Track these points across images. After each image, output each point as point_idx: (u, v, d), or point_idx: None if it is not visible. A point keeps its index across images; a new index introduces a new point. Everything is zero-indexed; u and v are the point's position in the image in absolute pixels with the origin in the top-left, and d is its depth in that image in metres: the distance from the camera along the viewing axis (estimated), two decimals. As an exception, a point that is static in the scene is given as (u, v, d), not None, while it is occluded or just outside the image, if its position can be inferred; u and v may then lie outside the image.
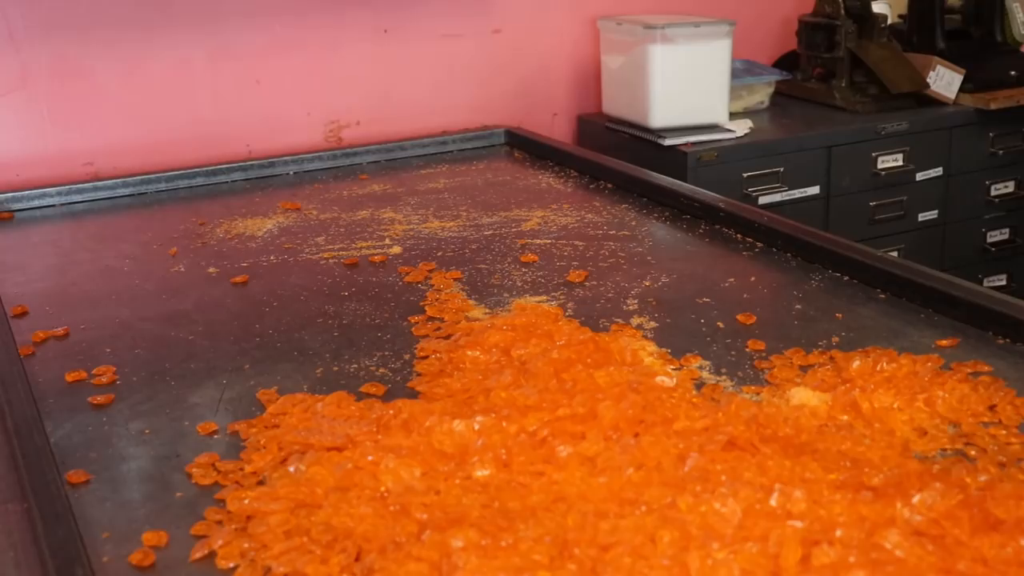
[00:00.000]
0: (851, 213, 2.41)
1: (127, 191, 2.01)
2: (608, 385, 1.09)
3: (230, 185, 2.07)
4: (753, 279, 1.46)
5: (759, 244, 1.58)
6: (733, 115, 2.38)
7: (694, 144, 2.25)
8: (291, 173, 2.13)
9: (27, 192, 1.94)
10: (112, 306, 1.45)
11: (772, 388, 1.13)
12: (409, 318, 1.37)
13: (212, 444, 1.07)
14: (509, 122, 2.39)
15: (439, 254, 1.61)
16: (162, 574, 0.87)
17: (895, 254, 2.38)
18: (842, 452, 0.97)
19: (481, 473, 0.95)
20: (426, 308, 1.39)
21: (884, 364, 1.13)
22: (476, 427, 1.00)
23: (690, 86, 2.29)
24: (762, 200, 2.27)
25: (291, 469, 0.97)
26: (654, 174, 1.91)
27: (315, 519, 0.89)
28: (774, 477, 0.91)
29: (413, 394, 1.15)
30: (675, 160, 2.23)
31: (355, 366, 1.24)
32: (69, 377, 1.22)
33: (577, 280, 1.47)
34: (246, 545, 0.88)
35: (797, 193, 2.34)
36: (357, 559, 0.85)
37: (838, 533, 0.83)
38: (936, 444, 1.00)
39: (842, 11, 2.51)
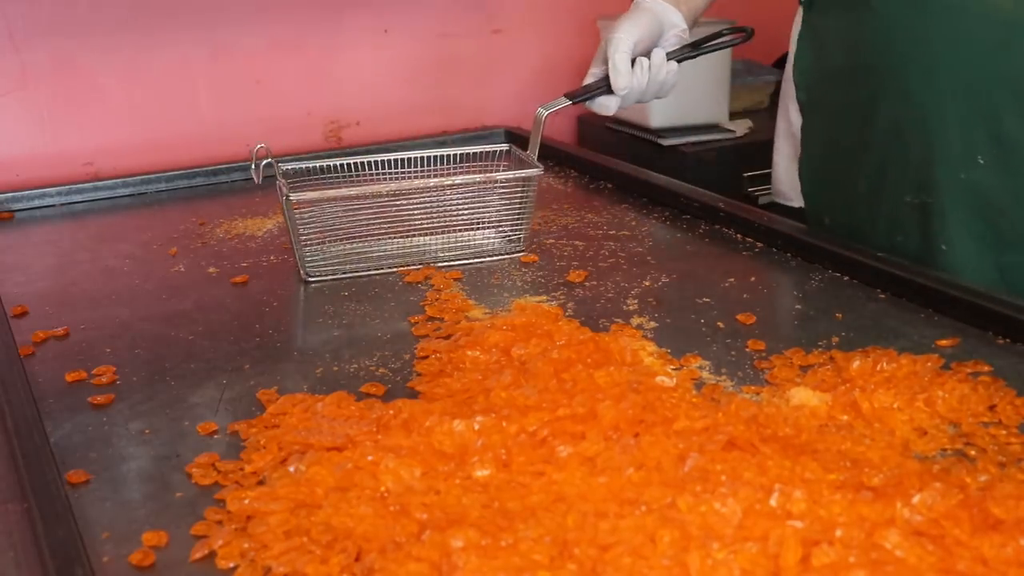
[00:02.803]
0: (851, 213, 2.40)
1: (127, 191, 2.01)
2: (608, 385, 1.09)
3: (230, 185, 2.07)
4: (753, 279, 1.46)
5: (759, 244, 1.58)
6: (733, 115, 2.38)
7: (694, 144, 2.25)
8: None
9: (27, 192, 1.94)
10: (112, 306, 1.45)
11: (772, 388, 1.13)
12: (409, 318, 1.37)
13: (212, 444, 1.07)
14: (509, 122, 2.39)
15: (439, 254, 1.61)
16: (162, 574, 0.87)
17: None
18: (842, 452, 0.97)
19: (481, 473, 0.95)
20: (426, 308, 1.39)
21: (884, 364, 1.13)
22: (476, 427, 1.00)
23: (690, 86, 2.29)
24: (762, 200, 2.27)
25: (291, 469, 0.97)
26: (654, 174, 1.90)
27: (315, 519, 0.89)
28: (774, 477, 0.91)
29: (413, 394, 1.15)
30: (675, 160, 2.23)
31: (355, 366, 1.24)
32: (69, 377, 1.22)
33: (577, 280, 1.47)
34: (246, 545, 0.88)
35: (797, 193, 2.33)
36: (357, 559, 0.85)
37: (838, 533, 0.83)
38: (936, 444, 1.00)
39: (842, 11, 2.51)
